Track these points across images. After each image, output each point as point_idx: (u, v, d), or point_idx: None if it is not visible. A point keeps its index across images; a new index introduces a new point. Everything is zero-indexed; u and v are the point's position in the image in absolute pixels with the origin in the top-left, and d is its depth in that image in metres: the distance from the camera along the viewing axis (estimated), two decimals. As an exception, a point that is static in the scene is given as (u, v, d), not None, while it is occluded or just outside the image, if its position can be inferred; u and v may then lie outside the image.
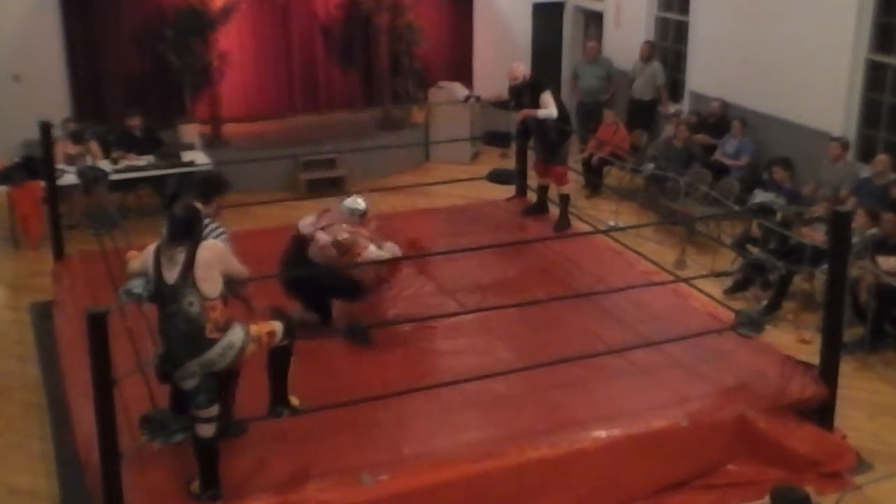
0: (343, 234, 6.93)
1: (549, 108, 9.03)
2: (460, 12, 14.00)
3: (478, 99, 11.15)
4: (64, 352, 7.09)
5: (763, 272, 7.65)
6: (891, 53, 9.59)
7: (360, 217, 7.21)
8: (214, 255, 5.04)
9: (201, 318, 4.94)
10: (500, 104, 9.98)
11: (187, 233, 5.02)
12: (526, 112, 9.21)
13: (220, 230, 5.85)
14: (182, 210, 5.10)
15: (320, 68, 13.33)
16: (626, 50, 13.07)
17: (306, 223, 7.14)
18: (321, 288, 7.12)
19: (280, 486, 5.36)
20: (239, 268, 5.29)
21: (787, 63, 10.56)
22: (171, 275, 4.96)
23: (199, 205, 5.73)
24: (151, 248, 5.12)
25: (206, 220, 5.67)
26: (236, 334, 5.06)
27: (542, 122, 9.16)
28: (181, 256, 4.96)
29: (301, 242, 7.10)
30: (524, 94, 9.23)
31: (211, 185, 5.97)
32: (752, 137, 10.94)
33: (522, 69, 9.38)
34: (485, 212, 10.00)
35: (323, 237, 6.98)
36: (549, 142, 9.31)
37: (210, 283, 4.96)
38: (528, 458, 5.68)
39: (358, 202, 7.21)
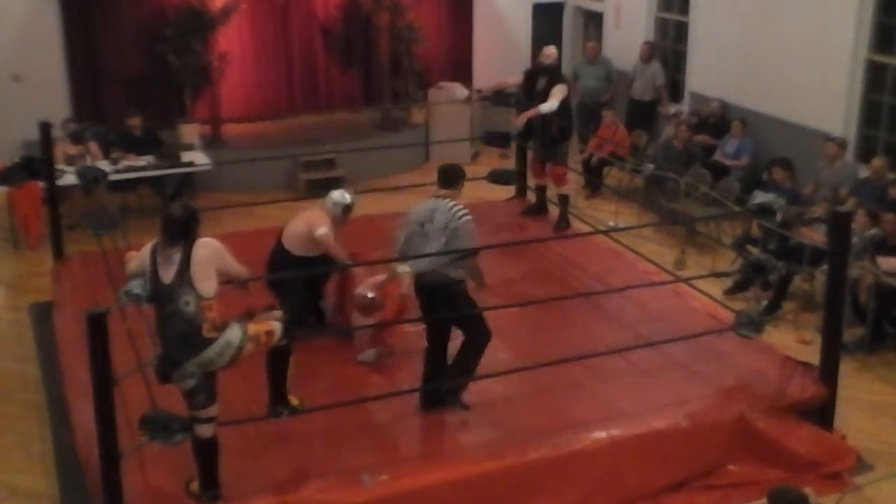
0: (370, 293, 6.75)
1: (551, 101, 8.99)
2: (460, 12, 14.00)
3: (479, 92, 11.08)
4: (64, 352, 7.09)
5: (763, 273, 7.65)
6: (891, 53, 9.59)
7: (344, 212, 7.02)
8: (210, 252, 5.02)
9: (198, 318, 4.93)
10: (499, 95, 9.92)
11: (184, 232, 5.00)
12: (527, 114, 9.17)
13: (465, 213, 6.15)
14: (178, 209, 5.07)
15: (320, 68, 13.33)
16: (626, 50, 13.07)
17: (291, 233, 6.93)
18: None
19: (280, 486, 5.36)
20: (238, 267, 5.28)
21: (787, 63, 10.56)
22: (168, 275, 4.95)
23: (446, 191, 6.21)
24: (148, 247, 5.11)
25: (451, 203, 6.11)
26: (234, 333, 5.05)
27: (545, 118, 9.13)
28: (177, 256, 4.94)
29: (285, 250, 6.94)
30: (541, 77, 9.18)
31: (457, 173, 6.44)
32: (752, 138, 10.94)
33: (555, 51, 9.34)
34: (485, 212, 9.95)
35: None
36: (549, 139, 9.28)
37: (206, 282, 4.95)
38: (528, 458, 5.68)
39: (345, 196, 7.05)
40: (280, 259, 6.90)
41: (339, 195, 7.06)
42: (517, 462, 5.66)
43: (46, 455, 6.42)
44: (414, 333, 7.04)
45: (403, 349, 6.97)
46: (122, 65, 12.13)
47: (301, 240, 6.86)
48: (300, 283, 6.81)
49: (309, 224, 6.84)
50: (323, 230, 6.76)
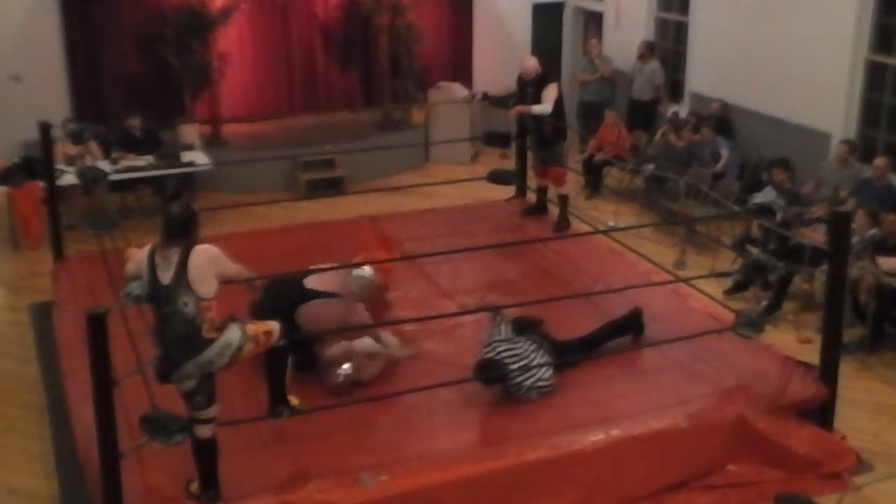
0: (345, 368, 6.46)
1: (544, 104, 8.98)
2: (460, 12, 14.00)
3: (485, 95, 11.02)
4: (64, 352, 7.09)
5: (763, 273, 7.65)
6: (891, 53, 9.59)
7: (370, 286, 6.63)
8: (208, 259, 5.00)
9: (197, 319, 4.92)
10: (500, 101, 9.92)
11: (183, 232, 4.99)
12: (520, 108, 9.18)
13: None
14: (178, 209, 5.07)
15: (320, 68, 13.33)
16: (626, 50, 13.08)
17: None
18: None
19: (280, 486, 5.36)
20: (237, 269, 5.26)
21: (787, 63, 10.56)
22: (166, 276, 4.94)
23: None
24: (146, 250, 5.09)
25: None
26: (233, 333, 5.05)
27: (537, 119, 9.13)
28: (175, 258, 4.93)
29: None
30: (530, 86, 9.16)
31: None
32: (727, 136, 11.01)
33: (534, 65, 9.15)
34: (485, 212, 9.99)
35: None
36: (543, 140, 9.28)
37: (205, 284, 4.94)
38: (528, 458, 5.68)
39: (364, 271, 6.61)
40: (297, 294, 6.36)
41: (366, 274, 6.59)
42: (517, 462, 5.65)
43: (46, 455, 6.41)
44: (421, 329, 7.08)
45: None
46: (122, 65, 12.14)
47: (333, 284, 6.40)
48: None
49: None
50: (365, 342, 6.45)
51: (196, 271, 4.92)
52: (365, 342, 6.56)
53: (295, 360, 5.88)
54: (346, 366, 6.41)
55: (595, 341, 6.88)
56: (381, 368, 6.63)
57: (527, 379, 6.25)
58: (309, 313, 6.29)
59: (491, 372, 6.20)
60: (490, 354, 6.35)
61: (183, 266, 4.91)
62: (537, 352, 6.40)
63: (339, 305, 6.39)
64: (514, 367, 6.23)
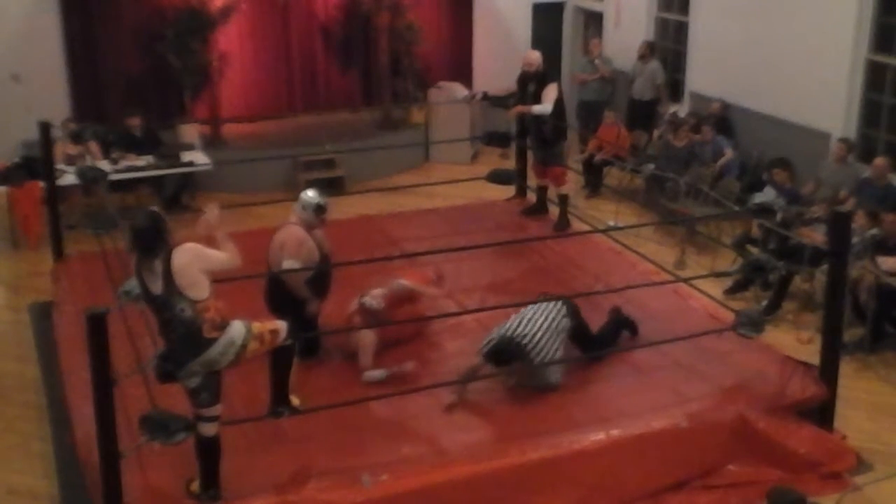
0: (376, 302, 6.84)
1: (544, 104, 8.99)
2: (460, 12, 14.00)
3: (485, 95, 11.00)
4: (64, 352, 7.09)
5: (763, 272, 7.65)
6: (891, 53, 9.59)
7: (317, 213, 6.64)
8: (190, 259, 4.95)
9: (197, 321, 4.93)
10: (500, 101, 9.92)
11: (157, 241, 4.92)
12: (520, 108, 9.18)
13: None
14: (143, 220, 4.95)
15: (320, 68, 13.33)
16: (626, 50, 13.08)
17: (274, 260, 6.66)
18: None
19: (280, 486, 5.37)
20: (220, 260, 5.07)
21: (787, 63, 10.56)
22: (156, 287, 4.93)
23: None
24: (133, 263, 5.07)
25: None
26: (237, 331, 5.05)
27: (537, 118, 9.14)
28: (159, 267, 4.91)
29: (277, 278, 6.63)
30: (531, 83, 9.17)
31: None
32: (727, 136, 11.01)
33: (538, 57, 9.19)
34: (485, 212, 9.99)
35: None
36: (543, 140, 9.28)
37: (196, 286, 4.93)
38: (528, 458, 5.68)
39: (313, 196, 6.67)
40: (276, 288, 6.65)
41: (307, 196, 6.69)
42: (517, 462, 5.66)
43: (46, 455, 6.42)
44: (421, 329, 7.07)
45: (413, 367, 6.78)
46: (122, 65, 12.13)
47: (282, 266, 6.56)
48: (295, 303, 6.59)
49: (283, 249, 6.57)
50: (288, 262, 6.46)
51: (182, 274, 4.89)
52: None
53: (299, 346, 5.86)
54: (374, 299, 6.83)
55: (599, 344, 6.88)
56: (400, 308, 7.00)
57: (545, 351, 6.29)
58: (272, 245, 6.64)
59: (505, 353, 6.26)
60: (499, 337, 6.35)
61: (168, 274, 4.88)
62: (554, 311, 6.47)
63: (295, 227, 6.65)
64: (531, 339, 6.28)
